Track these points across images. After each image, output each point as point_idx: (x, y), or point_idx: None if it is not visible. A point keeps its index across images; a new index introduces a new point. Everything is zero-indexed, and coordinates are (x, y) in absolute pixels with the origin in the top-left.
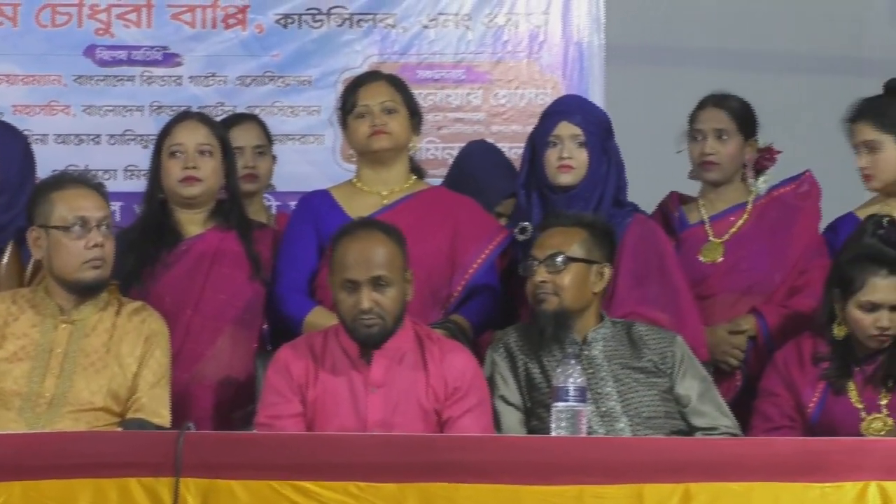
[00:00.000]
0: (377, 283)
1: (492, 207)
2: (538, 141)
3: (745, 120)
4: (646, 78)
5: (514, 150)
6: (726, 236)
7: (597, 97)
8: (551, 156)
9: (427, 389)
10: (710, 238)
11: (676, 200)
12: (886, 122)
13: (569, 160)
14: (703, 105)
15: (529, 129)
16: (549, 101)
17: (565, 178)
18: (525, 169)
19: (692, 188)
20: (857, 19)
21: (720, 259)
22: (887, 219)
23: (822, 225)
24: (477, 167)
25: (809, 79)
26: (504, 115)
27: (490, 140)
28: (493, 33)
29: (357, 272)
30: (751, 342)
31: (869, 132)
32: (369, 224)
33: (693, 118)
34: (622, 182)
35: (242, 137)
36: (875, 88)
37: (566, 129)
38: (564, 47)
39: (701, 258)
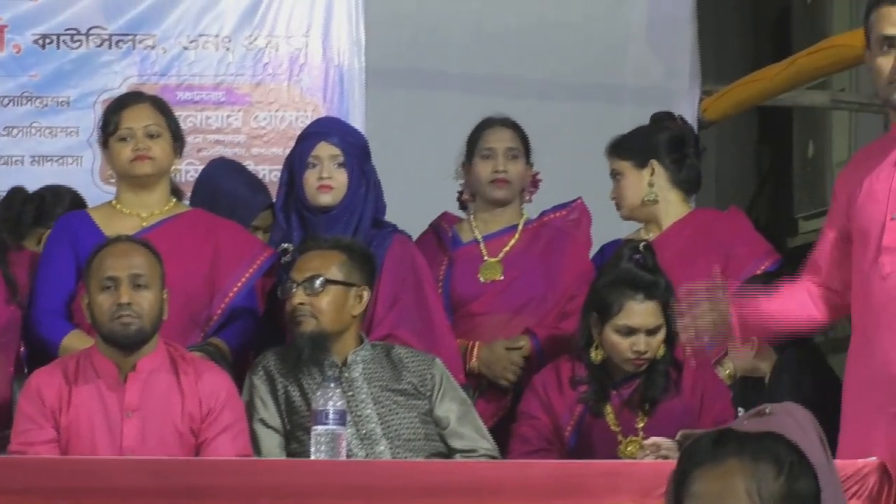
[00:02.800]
0: (136, 281)
1: (248, 223)
2: (297, 162)
3: (527, 142)
4: (406, 101)
5: (274, 173)
6: (501, 255)
7: (357, 120)
8: (311, 177)
9: (182, 411)
10: (486, 257)
11: (450, 219)
12: (622, 150)
13: (328, 180)
14: (489, 125)
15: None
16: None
17: (325, 199)
18: (283, 191)
19: (452, 210)
20: (617, 45)
21: (500, 278)
22: (643, 244)
23: (593, 251)
24: (225, 185)
25: (570, 104)
26: (264, 137)
27: (249, 162)
28: (254, 55)
29: (117, 269)
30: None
31: (613, 162)
32: (128, 237)
33: (479, 138)
34: (381, 203)
35: None
36: (636, 114)
37: (325, 150)
38: (325, 70)
39: (480, 278)
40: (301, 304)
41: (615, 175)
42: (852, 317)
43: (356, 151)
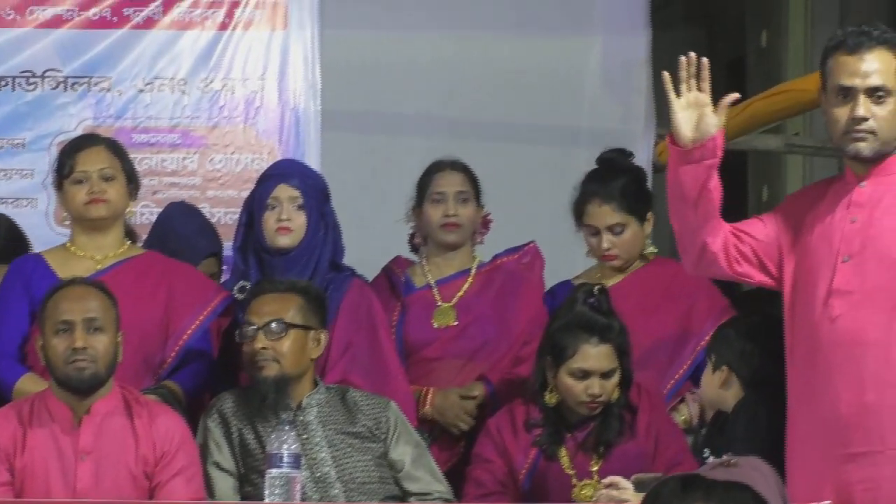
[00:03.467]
0: (91, 325)
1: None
2: (256, 204)
3: (478, 185)
4: (362, 144)
5: (229, 216)
6: (454, 300)
7: (312, 163)
8: (269, 218)
9: (136, 454)
10: (439, 303)
11: (402, 264)
12: (630, 207)
13: (287, 222)
14: (439, 168)
15: (245, 193)
16: (265, 166)
17: (284, 241)
18: (241, 233)
19: (405, 254)
20: (573, 88)
21: (454, 323)
22: (598, 287)
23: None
24: (177, 228)
25: (526, 147)
26: (220, 179)
27: (205, 205)
28: (209, 98)
29: (72, 313)
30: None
31: (614, 216)
32: (83, 280)
33: (429, 182)
34: (339, 246)
35: None
36: (591, 157)
37: (285, 192)
38: (280, 113)
39: (434, 323)
40: (263, 348)
41: (614, 227)
42: (792, 358)
43: (315, 194)
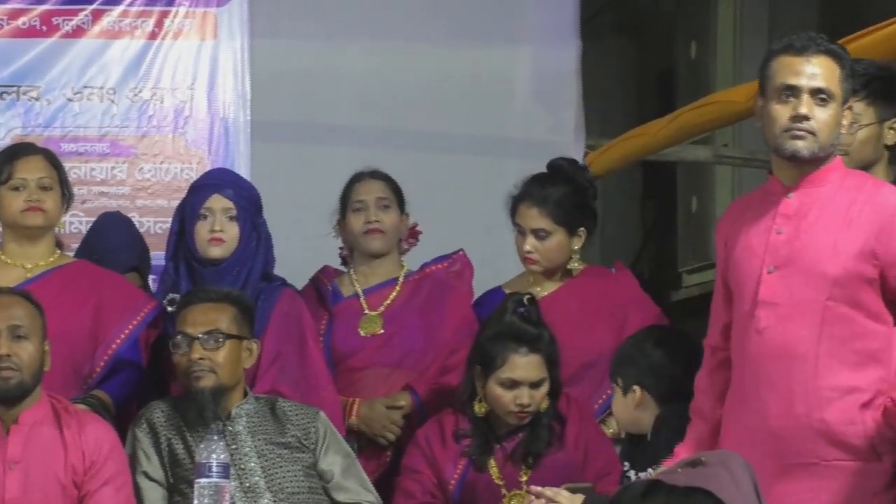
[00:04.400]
0: (15, 332)
1: None
2: (188, 213)
3: (400, 193)
4: (291, 155)
5: (158, 225)
6: (381, 309)
7: (242, 172)
8: (202, 229)
9: (65, 464)
10: (366, 311)
11: (330, 273)
12: (559, 216)
13: (220, 233)
14: (359, 178)
15: (175, 203)
16: (194, 175)
17: (216, 251)
18: (173, 241)
19: (335, 264)
20: (503, 99)
21: (380, 331)
22: (528, 297)
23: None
24: (104, 240)
25: (456, 157)
26: (149, 189)
27: (134, 214)
28: (139, 107)
29: None
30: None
31: (540, 221)
32: (9, 289)
33: (350, 192)
34: (270, 256)
35: None
36: (521, 167)
37: (218, 203)
38: (210, 123)
39: (361, 332)
40: (201, 358)
41: (538, 232)
42: (732, 370)
43: (249, 205)
